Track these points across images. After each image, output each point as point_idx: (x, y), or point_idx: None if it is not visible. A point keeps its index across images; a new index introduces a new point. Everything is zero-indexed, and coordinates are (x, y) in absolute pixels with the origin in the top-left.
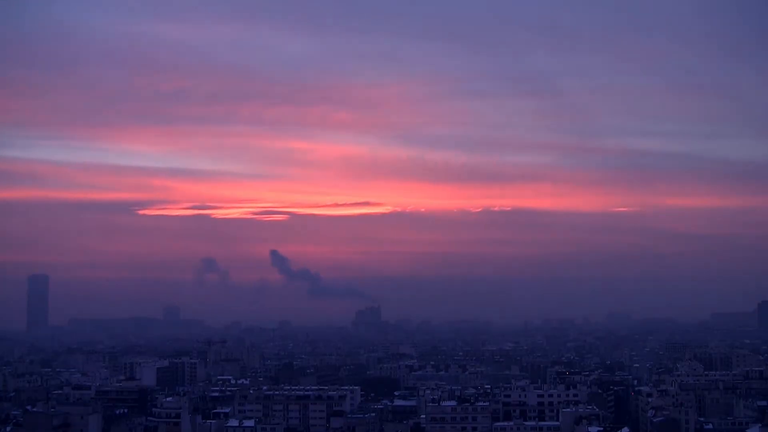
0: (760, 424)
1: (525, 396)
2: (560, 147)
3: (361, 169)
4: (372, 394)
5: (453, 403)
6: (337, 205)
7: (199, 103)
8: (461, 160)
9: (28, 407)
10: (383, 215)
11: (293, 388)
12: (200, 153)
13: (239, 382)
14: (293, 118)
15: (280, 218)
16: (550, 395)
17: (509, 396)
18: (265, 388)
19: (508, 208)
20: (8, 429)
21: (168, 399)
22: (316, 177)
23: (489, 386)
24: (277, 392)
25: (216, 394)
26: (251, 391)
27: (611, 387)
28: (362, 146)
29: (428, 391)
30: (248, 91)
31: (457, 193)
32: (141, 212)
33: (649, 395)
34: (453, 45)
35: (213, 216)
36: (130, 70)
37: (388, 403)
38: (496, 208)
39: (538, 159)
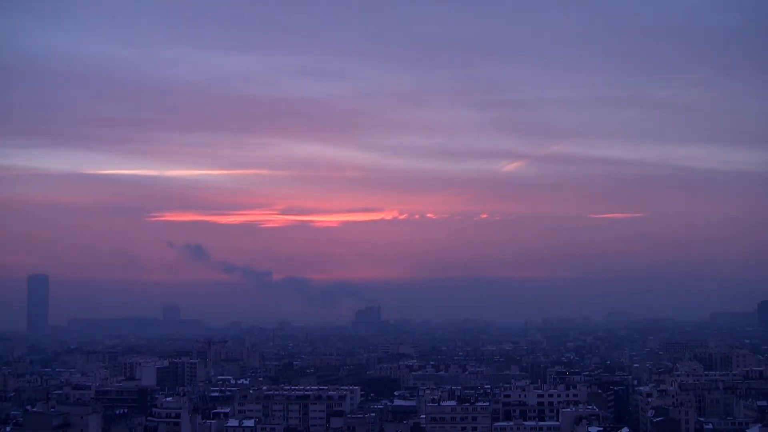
0: (760, 424)
1: (525, 396)
2: (527, 155)
3: (349, 178)
4: (372, 394)
5: (453, 403)
6: (334, 211)
7: (169, 119)
8: (427, 167)
9: (28, 407)
10: (379, 221)
11: (293, 388)
12: (190, 162)
13: (239, 382)
14: (269, 128)
15: (278, 223)
16: (550, 395)
17: (509, 396)
18: (265, 388)
19: (498, 215)
20: (8, 429)
21: (168, 399)
22: (310, 184)
23: (489, 386)
24: (277, 392)
25: (216, 394)
26: (251, 391)
27: (611, 387)
28: (334, 155)
29: (428, 391)
30: (207, 106)
31: (443, 199)
32: (146, 218)
33: (649, 395)
34: (400, 62)
35: (212, 221)
36: (90, 90)
37: (388, 403)
38: (485, 215)
39: (509, 166)
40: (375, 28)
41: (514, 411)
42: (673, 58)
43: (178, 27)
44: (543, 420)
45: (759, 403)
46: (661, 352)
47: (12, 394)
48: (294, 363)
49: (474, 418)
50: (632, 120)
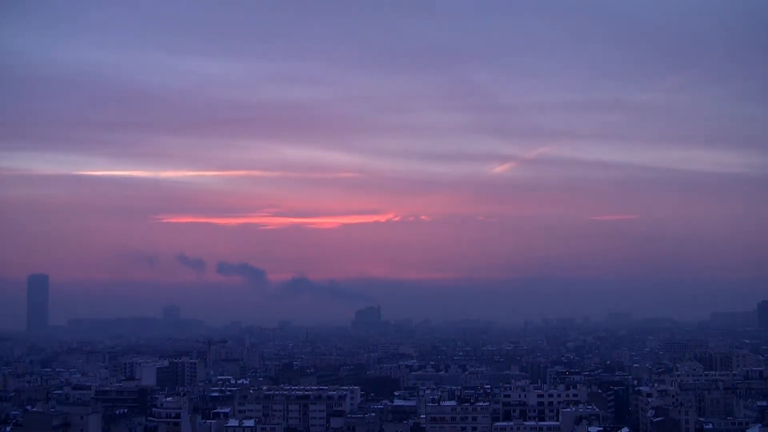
0: (760, 424)
1: (525, 396)
2: (515, 157)
3: (342, 181)
4: (372, 394)
5: (453, 403)
6: (330, 214)
7: (163, 123)
8: (419, 170)
9: (28, 407)
10: (375, 223)
11: (293, 388)
12: (186, 163)
13: (239, 382)
14: (261, 132)
15: (275, 225)
16: (550, 395)
17: (509, 396)
18: (265, 388)
19: (495, 217)
20: (8, 429)
21: (168, 399)
22: (304, 187)
23: (489, 386)
24: (277, 392)
25: (216, 394)
26: (251, 391)
27: (611, 387)
28: (326, 158)
29: (428, 391)
30: (198, 110)
31: (436, 201)
32: (146, 219)
33: (649, 395)
34: (389, 67)
35: (211, 223)
36: (83, 94)
37: (388, 403)
38: (482, 217)
39: (498, 168)
40: (364, 33)
41: (514, 411)
42: (656, 63)
43: (169, 33)
44: (543, 420)
45: (759, 403)
46: (661, 352)
47: (12, 394)
48: (294, 363)
49: (474, 418)
50: (616, 123)
